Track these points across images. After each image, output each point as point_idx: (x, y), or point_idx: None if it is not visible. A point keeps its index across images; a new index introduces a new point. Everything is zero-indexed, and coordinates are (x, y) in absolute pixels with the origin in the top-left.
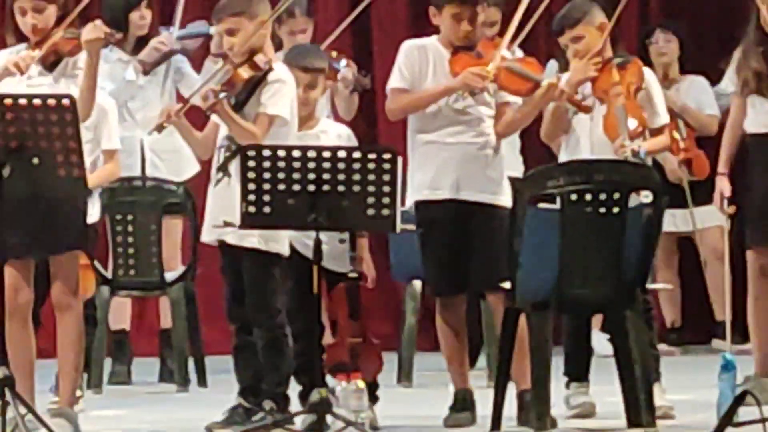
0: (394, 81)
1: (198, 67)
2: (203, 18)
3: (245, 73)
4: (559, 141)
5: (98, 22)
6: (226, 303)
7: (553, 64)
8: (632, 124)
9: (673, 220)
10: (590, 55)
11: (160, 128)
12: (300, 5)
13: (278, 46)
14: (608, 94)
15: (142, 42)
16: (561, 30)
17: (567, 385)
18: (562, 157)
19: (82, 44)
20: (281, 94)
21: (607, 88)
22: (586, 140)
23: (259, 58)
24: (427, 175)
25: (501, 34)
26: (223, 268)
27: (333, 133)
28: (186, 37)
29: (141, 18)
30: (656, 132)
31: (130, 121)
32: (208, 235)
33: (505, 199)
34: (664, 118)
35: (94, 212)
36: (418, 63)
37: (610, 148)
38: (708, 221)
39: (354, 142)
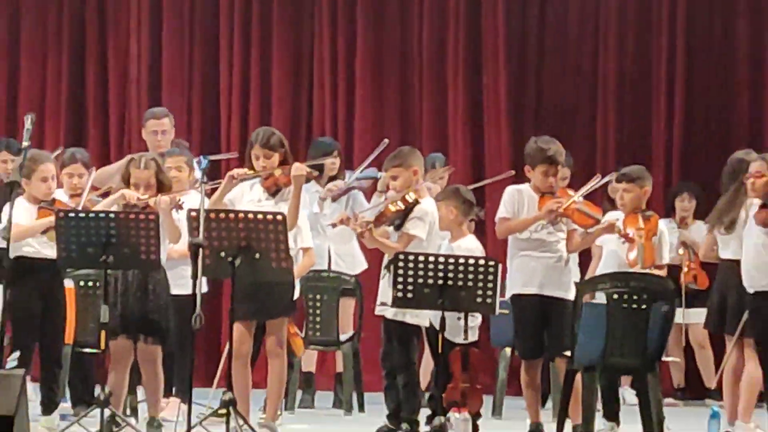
0: (501, 212)
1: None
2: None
3: (394, 207)
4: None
5: (302, 165)
6: (381, 355)
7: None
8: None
9: (681, 314)
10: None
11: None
12: (440, 160)
13: None
14: (634, 235)
15: (333, 180)
16: (626, 181)
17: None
18: (601, 269)
19: (291, 179)
20: (421, 221)
21: (633, 231)
22: (622, 259)
23: (409, 196)
24: (521, 277)
25: (570, 185)
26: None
27: (465, 247)
28: (362, 178)
29: (332, 163)
30: (659, 267)
31: (321, 234)
32: (378, 311)
33: (572, 295)
34: (666, 260)
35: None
36: (518, 201)
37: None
38: (695, 318)
39: (482, 253)
